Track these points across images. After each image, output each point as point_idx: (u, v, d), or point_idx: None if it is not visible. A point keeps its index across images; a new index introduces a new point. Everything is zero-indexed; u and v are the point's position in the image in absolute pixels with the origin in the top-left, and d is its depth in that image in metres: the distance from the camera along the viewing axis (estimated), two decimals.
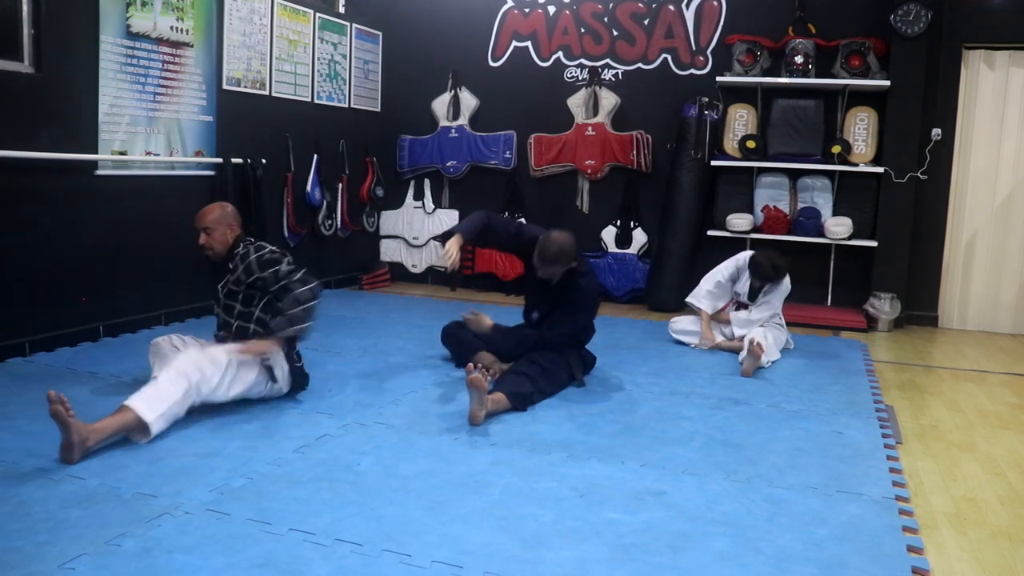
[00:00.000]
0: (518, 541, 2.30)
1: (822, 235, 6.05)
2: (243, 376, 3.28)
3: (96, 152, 4.42)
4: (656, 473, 2.87)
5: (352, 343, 4.70)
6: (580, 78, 6.74)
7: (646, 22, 6.59)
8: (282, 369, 3.46)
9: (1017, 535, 2.56)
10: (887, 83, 5.85)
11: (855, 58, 5.97)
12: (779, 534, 2.42)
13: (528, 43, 6.87)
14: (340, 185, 6.57)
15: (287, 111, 5.94)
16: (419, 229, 7.14)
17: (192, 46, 4.98)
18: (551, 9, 6.79)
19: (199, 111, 5.08)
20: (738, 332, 4.82)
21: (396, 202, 7.21)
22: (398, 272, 7.23)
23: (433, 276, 7.20)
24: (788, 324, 5.07)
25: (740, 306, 4.98)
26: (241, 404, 3.37)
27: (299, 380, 3.58)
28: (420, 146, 7.08)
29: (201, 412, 3.24)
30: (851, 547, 2.36)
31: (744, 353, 4.47)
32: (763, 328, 4.72)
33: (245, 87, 5.51)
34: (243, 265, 3.43)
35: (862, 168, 6.01)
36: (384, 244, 7.25)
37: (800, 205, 6.21)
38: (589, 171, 6.63)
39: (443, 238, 3.97)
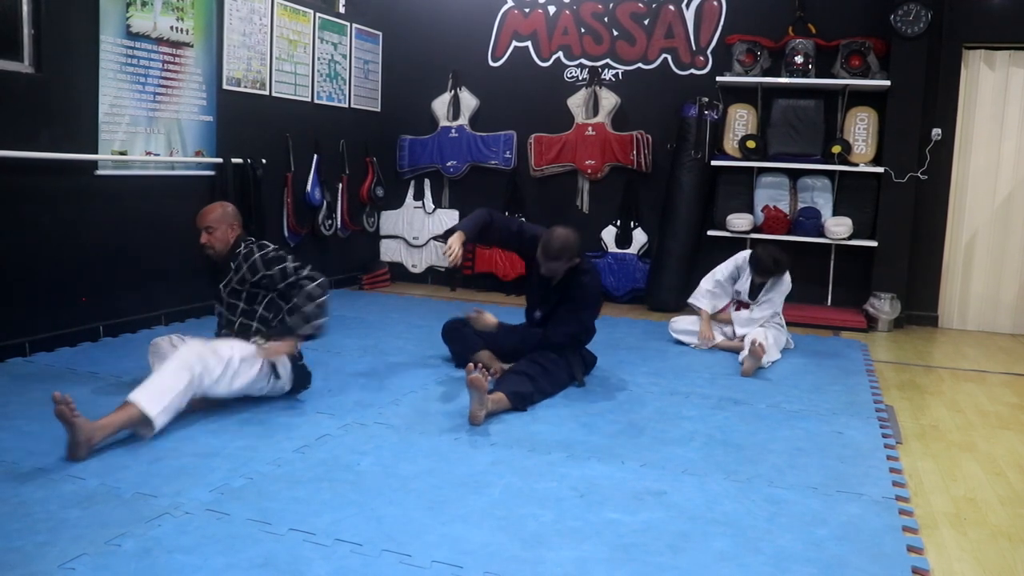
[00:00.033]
0: (518, 541, 2.30)
1: (822, 235, 6.05)
2: (245, 371, 3.28)
3: (96, 152, 4.42)
4: (656, 473, 2.87)
5: (352, 343, 4.70)
6: (580, 78, 6.74)
7: (646, 22, 6.60)
8: (285, 367, 3.46)
9: (1017, 535, 2.56)
10: (887, 83, 5.86)
11: (855, 58, 5.97)
12: (779, 534, 2.42)
13: (528, 43, 6.87)
14: (340, 185, 6.57)
15: (287, 111, 5.94)
16: (419, 229, 7.14)
17: (192, 46, 4.98)
18: (551, 9, 6.79)
19: (199, 111, 5.08)
20: (740, 331, 4.82)
21: (396, 202, 7.21)
22: (398, 272, 7.24)
23: (433, 276, 7.20)
24: (788, 324, 5.07)
25: (741, 305, 4.98)
26: (241, 404, 3.38)
27: (301, 378, 3.58)
28: (420, 146, 7.08)
29: (201, 412, 3.25)
30: (851, 547, 2.36)
31: (745, 353, 4.47)
32: (763, 328, 4.72)
33: (245, 87, 5.51)
34: (247, 264, 3.44)
35: (862, 168, 6.01)
36: (384, 244, 7.25)
37: (800, 205, 6.21)
38: (589, 171, 6.63)
39: (445, 236, 3.97)
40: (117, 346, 4.41)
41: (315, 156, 6.22)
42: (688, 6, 6.48)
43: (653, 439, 3.24)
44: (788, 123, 6.14)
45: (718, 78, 6.24)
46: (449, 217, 7.03)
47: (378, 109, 7.08)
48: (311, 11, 6.14)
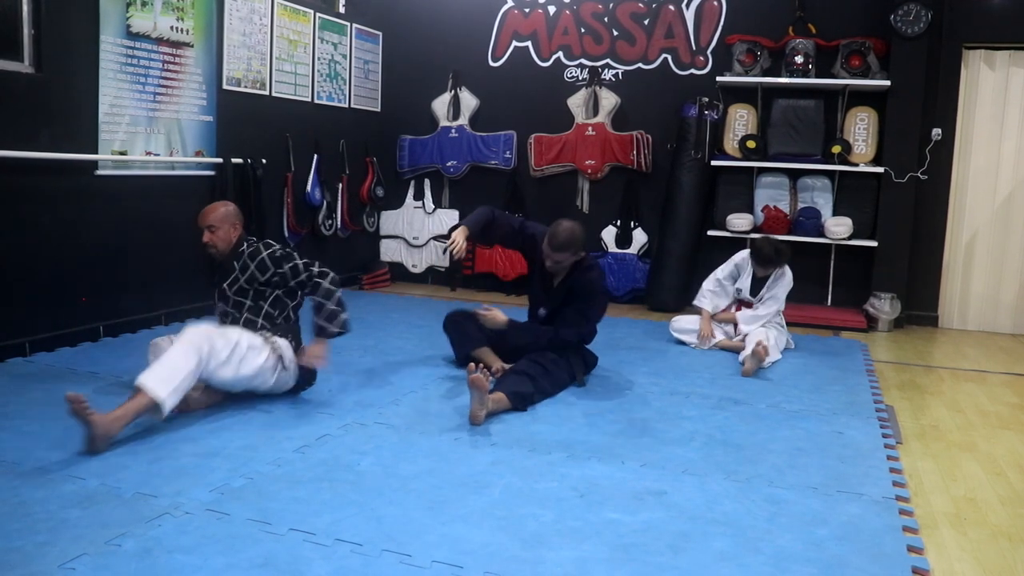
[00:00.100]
0: (518, 541, 2.30)
1: (822, 235, 6.05)
2: (252, 359, 3.30)
3: (96, 152, 4.42)
4: (656, 473, 2.87)
5: (352, 343, 4.69)
6: (580, 78, 6.74)
7: (646, 22, 6.59)
8: (291, 361, 3.48)
9: (1017, 535, 2.56)
10: (887, 83, 5.85)
11: (855, 58, 5.97)
12: (779, 534, 2.42)
13: (528, 43, 6.87)
14: (340, 185, 6.57)
15: (287, 111, 5.94)
16: (419, 229, 7.14)
17: (192, 46, 4.98)
18: (551, 9, 6.79)
19: (199, 111, 5.08)
20: (744, 328, 4.82)
21: (396, 202, 7.21)
22: (398, 272, 7.24)
23: (433, 276, 7.20)
24: (788, 324, 5.08)
25: (742, 305, 4.98)
26: (241, 403, 3.38)
27: (306, 374, 3.60)
28: (420, 146, 7.08)
29: (201, 412, 3.25)
30: (851, 547, 2.36)
31: (746, 353, 4.47)
32: (764, 328, 4.72)
33: (245, 87, 5.51)
34: (254, 263, 3.48)
35: (862, 168, 6.01)
36: (384, 244, 7.25)
37: (800, 205, 6.21)
38: (589, 171, 6.63)
39: (448, 233, 3.98)
40: (117, 346, 4.41)
41: (315, 156, 6.22)
42: (688, 6, 6.48)
43: (653, 439, 3.24)
44: (788, 123, 6.14)
45: (718, 78, 6.24)
46: (449, 217, 7.03)
47: (378, 109, 7.08)
48: (311, 11, 6.14)
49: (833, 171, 6.15)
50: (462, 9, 6.98)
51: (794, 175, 6.26)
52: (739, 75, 6.19)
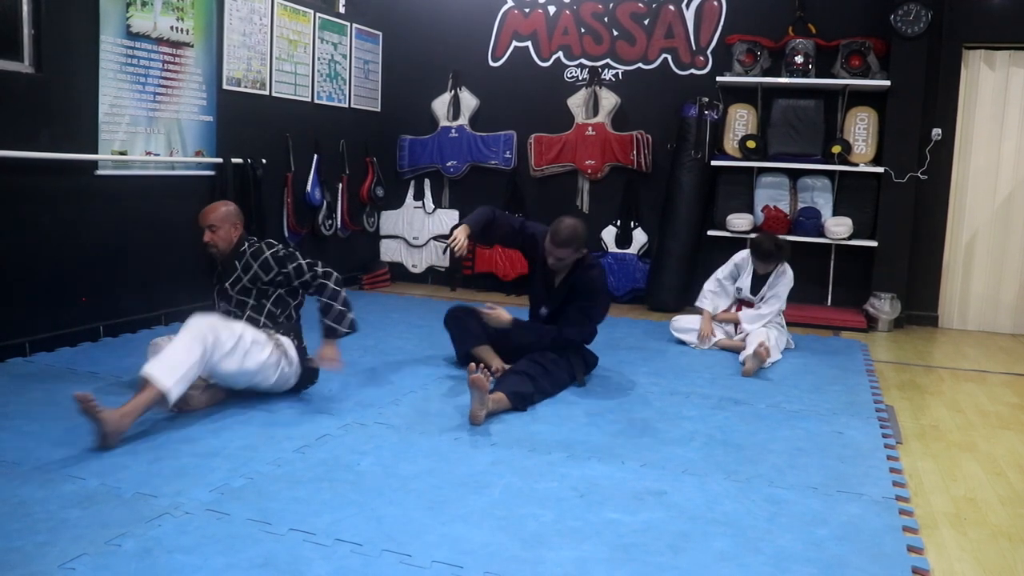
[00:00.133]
0: (518, 541, 2.30)
1: (822, 235, 6.05)
2: (256, 353, 3.30)
3: (96, 152, 4.42)
4: (656, 473, 2.87)
5: (352, 343, 4.67)
6: (580, 78, 6.74)
7: (646, 22, 6.59)
8: (293, 358, 3.50)
9: (1017, 535, 2.56)
10: (887, 83, 5.85)
11: (855, 58, 5.97)
12: (779, 534, 2.42)
13: (528, 43, 6.87)
14: (340, 185, 6.57)
15: (287, 111, 5.94)
16: (419, 229, 7.14)
17: (192, 46, 4.98)
18: (551, 9, 6.79)
19: (199, 111, 5.08)
20: (747, 327, 4.81)
21: (396, 202, 7.21)
22: (398, 272, 7.23)
23: (433, 276, 7.20)
24: (788, 324, 5.08)
25: (743, 304, 4.98)
26: (241, 403, 3.38)
27: (308, 373, 3.61)
28: (420, 146, 7.08)
29: (201, 412, 3.25)
30: (851, 547, 2.36)
31: (747, 352, 4.47)
32: (765, 328, 4.71)
33: (245, 87, 5.51)
34: (257, 263, 3.50)
35: (862, 168, 6.01)
36: (384, 244, 7.25)
37: (800, 205, 6.21)
38: (589, 171, 6.63)
39: (450, 232, 3.99)
40: (117, 346, 4.41)
41: (315, 156, 6.22)
42: (688, 6, 6.48)
43: (653, 439, 3.24)
44: (788, 123, 6.14)
45: (718, 78, 6.24)
46: (449, 217, 7.03)
47: (378, 109, 7.08)
48: (311, 11, 6.14)
49: (833, 171, 6.15)
50: (462, 9, 6.98)
51: (794, 175, 6.26)
52: (739, 75, 6.19)
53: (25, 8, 4.03)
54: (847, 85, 6.01)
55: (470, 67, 6.97)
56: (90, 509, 2.38)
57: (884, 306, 5.91)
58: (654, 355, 4.74)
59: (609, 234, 6.65)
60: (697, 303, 5.07)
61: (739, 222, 6.12)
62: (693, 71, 6.51)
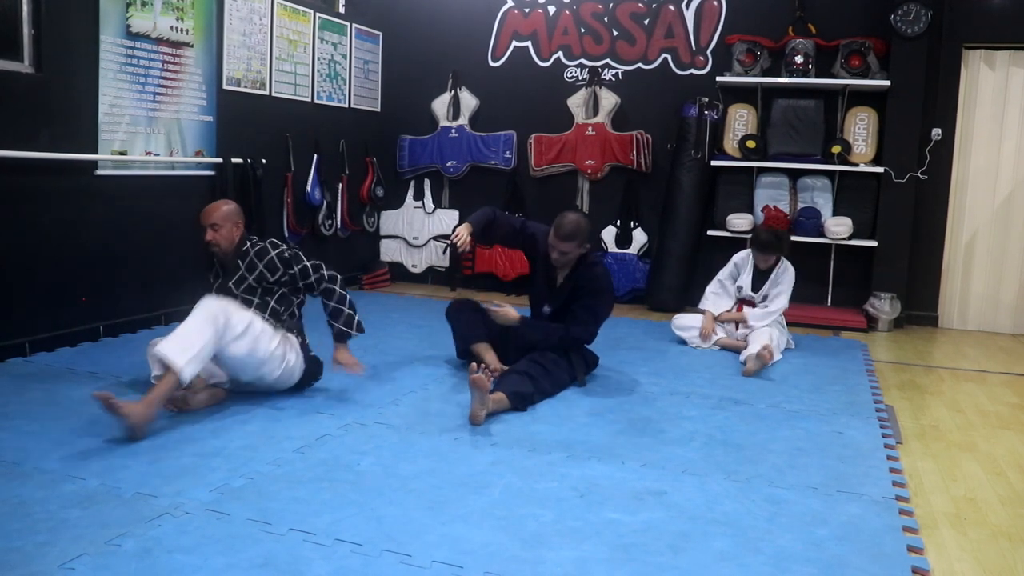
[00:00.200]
0: (518, 541, 2.30)
1: (822, 235, 6.05)
2: (265, 343, 3.32)
3: (96, 152, 4.42)
4: (656, 473, 2.87)
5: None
6: (580, 78, 6.74)
7: (646, 22, 6.59)
8: (298, 353, 3.52)
9: (1017, 535, 2.56)
10: (887, 83, 5.85)
11: (855, 58, 5.97)
12: (779, 534, 2.42)
13: (528, 43, 6.87)
14: (340, 185, 6.57)
15: (287, 111, 5.94)
16: (419, 229, 7.14)
17: (192, 46, 4.98)
18: (551, 9, 6.79)
19: (199, 111, 5.08)
20: (753, 324, 4.80)
21: (396, 202, 7.21)
22: (398, 272, 7.23)
23: (433, 276, 7.20)
24: (788, 324, 5.08)
25: (744, 303, 4.97)
26: (241, 403, 3.38)
27: (312, 368, 3.64)
28: (420, 146, 7.08)
29: (202, 412, 3.25)
30: (851, 547, 2.36)
31: (748, 352, 4.47)
32: (768, 328, 4.71)
33: (245, 87, 5.51)
34: (262, 262, 3.52)
35: (862, 168, 6.01)
36: (384, 244, 7.25)
37: (800, 205, 6.21)
38: (589, 171, 6.63)
39: (452, 232, 4.01)
40: (117, 346, 4.42)
41: (315, 156, 6.22)
42: (688, 6, 6.48)
43: (653, 439, 3.24)
44: (788, 123, 6.14)
45: (718, 78, 6.24)
46: (449, 217, 7.03)
47: (378, 109, 7.08)
48: (311, 11, 6.14)
49: (833, 171, 6.15)
50: (462, 9, 6.98)
51: (794, 175, 6.26)
52: (739, 75, 6.19)
53: (25, 8, 4.03)
54: (847, 85, 6.01)
55: (470, 67, 6.97)
56: (90, 509, 2.38)
57: (884, 306, 5.91)
58: (654, 355, 4.74)
59: (609, 234, 6.65)
60: (700, 305, 5.08)
61: (739, 222, 6.12)
62: (693, 71, 6.51)
